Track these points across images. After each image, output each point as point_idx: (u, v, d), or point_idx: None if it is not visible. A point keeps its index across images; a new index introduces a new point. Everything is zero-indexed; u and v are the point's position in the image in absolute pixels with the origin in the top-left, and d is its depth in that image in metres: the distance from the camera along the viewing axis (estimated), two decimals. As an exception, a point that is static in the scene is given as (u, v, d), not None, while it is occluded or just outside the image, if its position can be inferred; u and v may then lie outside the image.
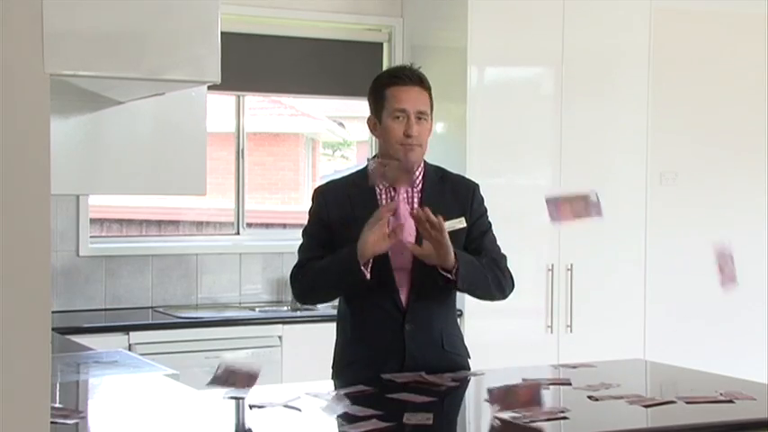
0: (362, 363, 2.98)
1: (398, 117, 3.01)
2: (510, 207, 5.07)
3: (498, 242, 3.17)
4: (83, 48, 2.45)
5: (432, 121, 3.10)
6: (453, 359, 3.09)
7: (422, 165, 3.12)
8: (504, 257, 3.14)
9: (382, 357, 2.97)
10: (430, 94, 3.08)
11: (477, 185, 3.18)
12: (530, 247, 5.23)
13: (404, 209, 3.03)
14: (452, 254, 2.90)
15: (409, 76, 3.06)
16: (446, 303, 3.11)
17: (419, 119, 3.02)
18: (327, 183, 3.25)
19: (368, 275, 2.90)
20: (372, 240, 2.87)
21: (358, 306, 3.07)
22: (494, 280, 3.05)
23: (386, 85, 3.06)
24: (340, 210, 3.06)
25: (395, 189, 3.06)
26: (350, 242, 2.94)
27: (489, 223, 3.15)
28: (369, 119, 3.13)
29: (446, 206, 3.01)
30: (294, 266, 3.14)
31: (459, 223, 2.98)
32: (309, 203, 3.17)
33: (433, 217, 2.85)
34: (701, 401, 2.70)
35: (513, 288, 3.13)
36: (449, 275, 2.92)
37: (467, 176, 3.32)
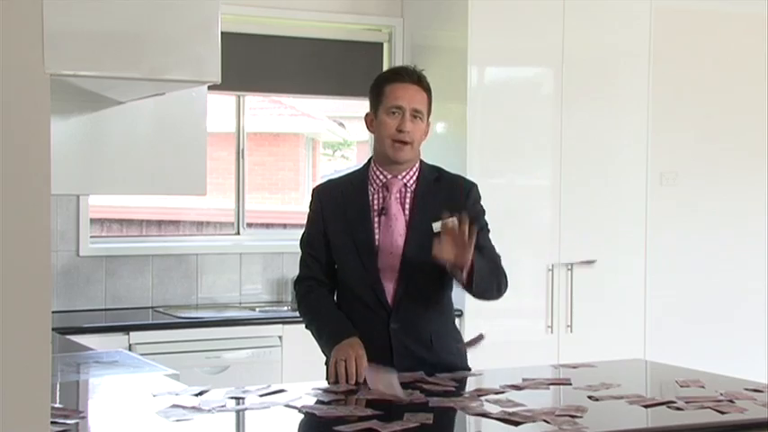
0: None
1: (394, 113, 3.04)
2: (510, 207, 5.08)
3: (496, 242, 3.16)
4: (83, 48, 2.45)
5: (428, 125, 3.11)
6: (445, 358, 3.09)
7: (417, 165, 3.13)
8: (499, 257, 3.13)
9: (370, 355, 2.97)
10: (429, 97, 3.09)
11: (474, 185, 3.17)
12: (530, 247, 5.23)
13: (395, 208, 3.06)
14: (470, 255, 2.87)
15: (409, 75, 3.09)
16: (437, 304, 3.11)
17: (414, 117, 3.04)
18: (326, 182, 3.28)
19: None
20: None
21: (347, 304, 3.11)
22: (497, 281, 3.06)
23: (386, 81, 3.10)
24: (334, 208, 3.11)
25: (387, 188, 3.08)
26: (342, 240, 3.05)
27: (486, 222, 3.13)
28: (366, 115, 3.15)
29: (438, 207, 2.96)
30: (296, 281, 3.21)
31: (451, 222, 2.87)
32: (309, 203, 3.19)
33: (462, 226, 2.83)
34: (702, 401, 2.70)
35: (507, 287, 3.11)
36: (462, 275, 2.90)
37: (467, 177, 3.30)
